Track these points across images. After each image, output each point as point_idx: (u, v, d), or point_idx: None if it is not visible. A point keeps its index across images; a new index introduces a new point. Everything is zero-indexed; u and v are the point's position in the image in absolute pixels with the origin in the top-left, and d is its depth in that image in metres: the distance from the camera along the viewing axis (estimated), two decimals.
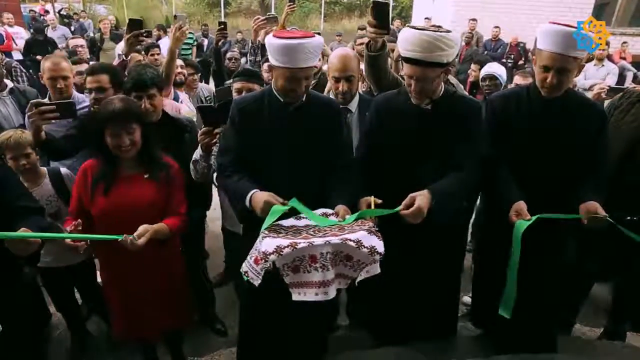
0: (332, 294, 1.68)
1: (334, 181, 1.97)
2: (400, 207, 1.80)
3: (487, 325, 2.53)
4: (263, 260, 1.64)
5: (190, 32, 7.08)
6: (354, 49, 3.58)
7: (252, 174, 1.93)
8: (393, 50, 2.94)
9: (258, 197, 1.82)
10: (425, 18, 11.07)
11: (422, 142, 1.99)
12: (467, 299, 3.03)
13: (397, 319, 2.34)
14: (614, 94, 3.01)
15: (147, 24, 15.59)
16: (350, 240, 1.66)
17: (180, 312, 2.27)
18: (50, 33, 8.58)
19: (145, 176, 1.98)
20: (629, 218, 2.17)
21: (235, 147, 1.96)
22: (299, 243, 1.64)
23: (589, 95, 3.23)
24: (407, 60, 1.85)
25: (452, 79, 3.08)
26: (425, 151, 1.99)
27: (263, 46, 3.53)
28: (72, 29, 11.24)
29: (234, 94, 2.55)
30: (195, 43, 8.39)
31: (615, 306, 2.73)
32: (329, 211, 1.87)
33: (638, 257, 2.24)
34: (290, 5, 4.05)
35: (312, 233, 1.75)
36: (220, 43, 4.01)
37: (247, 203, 1.84)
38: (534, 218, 1.90)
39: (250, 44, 3.58)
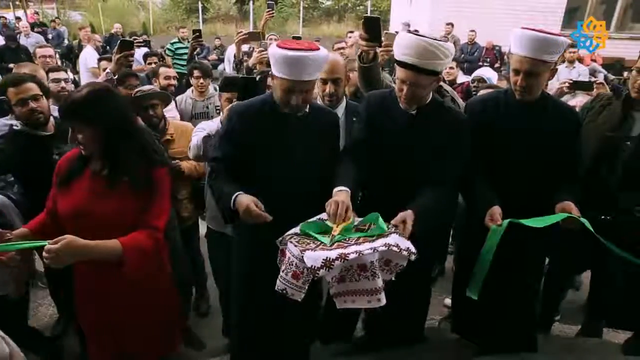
0: (384, 300, 1.66)
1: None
2: (392, 222, 1.80)
3: (467, 330, 2.55)
4: (307, 275, 1.62)
5: (181, 41, 6.90)
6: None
7: (249, 181, 1.90)
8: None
9: (242, 200, 1.77)
10: (403, 23, 11.19)
11: (404, 144, 2.02)
12: (448, 301, 3.06)
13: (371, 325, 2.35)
14: (579, 89, 3.12)
15: (124, 30, 15.39)
16: (392, 245, 1.66)
17: (164, 342, 2.01)
18: (23, 40, 8.40)
19: (125, 178, 1.68)
20: (602, 217, 2.23)
21: (232, 153, 1.93)
22: (349, 254, 1.60)
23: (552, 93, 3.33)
24: (402, 64, 1.87)
25: (446, 86, 3.14)
26: (407, 153, 2.01)
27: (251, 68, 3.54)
28: (50, 36, 11.03)
29: (225, 102, 2.52)
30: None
31: (592, 304, 2.79)
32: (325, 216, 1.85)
33: (610, 255, 2.29)
34: (269, 11, 4.06)
35: (344, 241, 1.71)
36: (195, 52, 3.99)
37: (232, 204, 1.81)
38: (505, 223, 1.93)
39: (233, 58, 3.52)
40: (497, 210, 1.98)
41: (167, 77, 3.83)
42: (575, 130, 2.11)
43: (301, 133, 1.91)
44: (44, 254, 1.46)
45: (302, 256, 1.62)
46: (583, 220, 1.90)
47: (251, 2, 18.93)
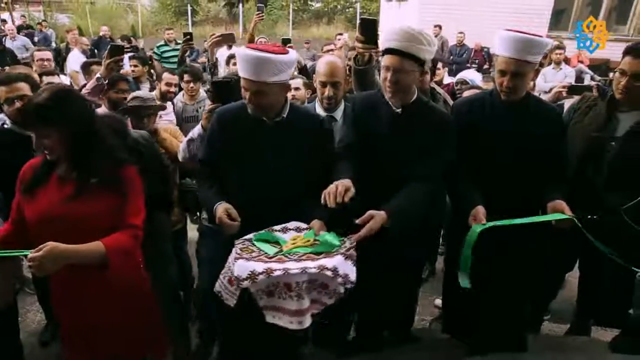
0: (306, 323, 1.63)
1: (311, 200, 1.93)
2: (358, 221, 1.80)
3: (458, 330, 2.56)
4: (238, 283, 1.60)
5: (167, 44, 6.79)
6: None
7: (230, 186, 1.93)
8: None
9: (218, 210, 1.84)
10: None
11: (389, 142, 2.04)
12: (439, 301, 3.07)
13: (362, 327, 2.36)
14: (577, 93, 3.07)
15: (112, 33, 15.26)
16: (327, 268, 1.60)
17: (145, 344, 1.96)
18: (8, 43, 8.29)
19: (93, 180, 1.64)
20: (589, 217, 2.25)
21: (212, 158, 1.97)
22: (275, 270, 1.57)
23: (549, 96, 3.36)
24: (387, 51, 1.92)
25: (438, 89, 3.17)
26: (392, 152, 2.03)
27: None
28: (36, 39, 10.93)
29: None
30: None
31: (580, 302, 2.82)
32: (303, 225, 1.85)
33: (599, 253, 2.32)
34: (259, 13, 4.06)
35: (287, 255, 1.68)
36: (185, 54, 3.98)
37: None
38: (489, 224, 1.93)
39: (207, 62, 3.46)
40: (480, 210, 1.99)
41: (169, 84, 3.83)
42: (559, 128, 2.15)
43: (276, 138, 1.90)
44: (27, 262, 1.44)
45: (234, 264, 1.62)
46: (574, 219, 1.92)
47: (241, 5, 18.92)
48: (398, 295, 2.28)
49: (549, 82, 6.05)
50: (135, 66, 4.66)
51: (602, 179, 2.26)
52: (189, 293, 3.20)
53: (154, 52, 6.53)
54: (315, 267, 1.60)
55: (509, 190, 2.09)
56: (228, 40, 3.63)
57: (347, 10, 21.43)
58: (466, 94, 3.17)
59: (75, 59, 6.15)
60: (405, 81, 1.95)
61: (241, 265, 1.60)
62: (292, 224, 1.85)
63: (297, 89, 3.02)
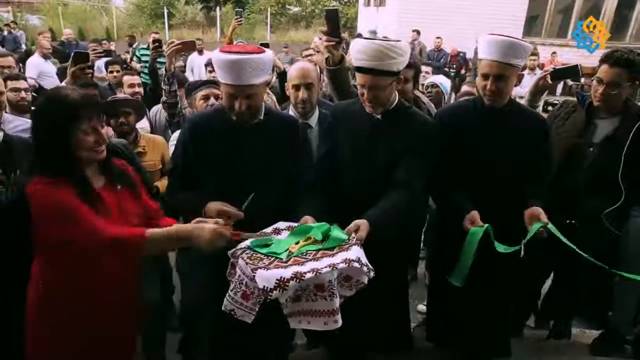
0: (340, 321, 1.56)
1: (298, 198, 1.93)
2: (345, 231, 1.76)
3: (442, 338, 2.55)
4: (258, 296, 1.51)
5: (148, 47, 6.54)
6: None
7: (206, 190, 1.88)
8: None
9: (211, 206, 1.78)
10: (369, 30, 11.34)
11: (371, 149, 2.02)
12: (422, 307, 3.07)
13: (352, 334, 2.32)
14: (561, 77, 2.96)
15: (86, 35, 14.91)
16: (353, 260, 1.55)
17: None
18: None
19: (119, 187, 1.62)
20: (567, 221, 2.29)
21: (187, 164, 1.91)
22: (305, 273, 1.48)
23: (531, 84, 3.36)
24: (359, 69, 1.90)
25: (423, 98, 3.16)
26: (373, 159, 2.02)
27: (185, 76, 3.39)
28: (3, 39, 10.58)
29: (200, 102, 2.61)
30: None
31: (563, 305, 2.85)
32: (294, 224, 1.81)
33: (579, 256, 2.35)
34: (237, 18, 4.00)
35: (301, 256, 1.60)
36: (156, 62, 3.88)
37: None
38: (486, 226, 1.95)
39: (164, 72, 3.09)
40: (476, 214, 2.00)
41: (132, 85, 3.70)
42: (543, 133, 2.17)
43: (254, 140, 1.87)
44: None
45: (254, 275, 1.49)
46: (551, 226, 1.94)
47: (218, 8, 18.77)
48: (384, 303, 2.25)
49: (524, 87, 6.16)
50: (118, 71, 4.52)
51: (581, 185, 2.30)
52: (168, 302, 3.12)
53: (136, 55, 6.36)
54: (341, 262, 1.54)
55: (495, 196, 2.08)
56: (188, 47, 3.41)
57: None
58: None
59: (34, 64, 5.69)
60: (383, 96, 1.95)
61: (263, 275, 1.48)
62: (282, 224, 1.81)
63: None
